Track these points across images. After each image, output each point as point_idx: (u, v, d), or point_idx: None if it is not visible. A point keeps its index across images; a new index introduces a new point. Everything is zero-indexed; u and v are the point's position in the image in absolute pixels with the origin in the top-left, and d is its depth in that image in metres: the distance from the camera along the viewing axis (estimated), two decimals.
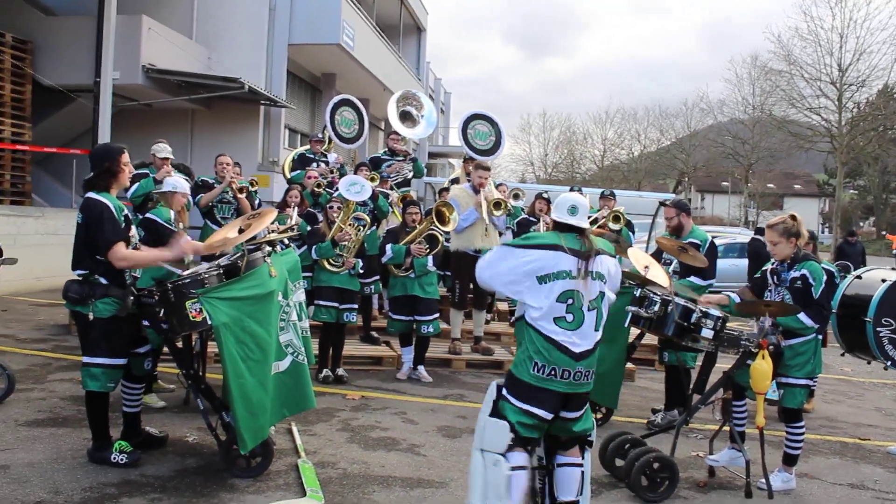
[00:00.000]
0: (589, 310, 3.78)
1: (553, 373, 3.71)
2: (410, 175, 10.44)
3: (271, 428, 5.29)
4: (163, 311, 4.61)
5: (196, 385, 4.99)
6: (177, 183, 6.39)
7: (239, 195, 8.63)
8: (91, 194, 4.70)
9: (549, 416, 3.76)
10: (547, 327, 3.73)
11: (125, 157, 4.85)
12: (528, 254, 3.78)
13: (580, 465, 3.86)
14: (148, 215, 6.11)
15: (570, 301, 3.73)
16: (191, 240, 5.15)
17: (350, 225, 7.67)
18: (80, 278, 4.68)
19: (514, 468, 3.68)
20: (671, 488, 4.88)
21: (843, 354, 6.41)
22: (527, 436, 3.75)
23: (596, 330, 3.82)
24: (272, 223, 6.04)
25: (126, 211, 4.83)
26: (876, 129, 40.88)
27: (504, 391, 3.81)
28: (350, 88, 20.30)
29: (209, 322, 4.54)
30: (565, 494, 3.83)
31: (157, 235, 5.75)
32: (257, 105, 17.96)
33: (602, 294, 3.83)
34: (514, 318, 3.92)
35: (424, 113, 10.39)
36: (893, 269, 6.63)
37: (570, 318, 3.73)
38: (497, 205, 8.20)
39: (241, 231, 5.06)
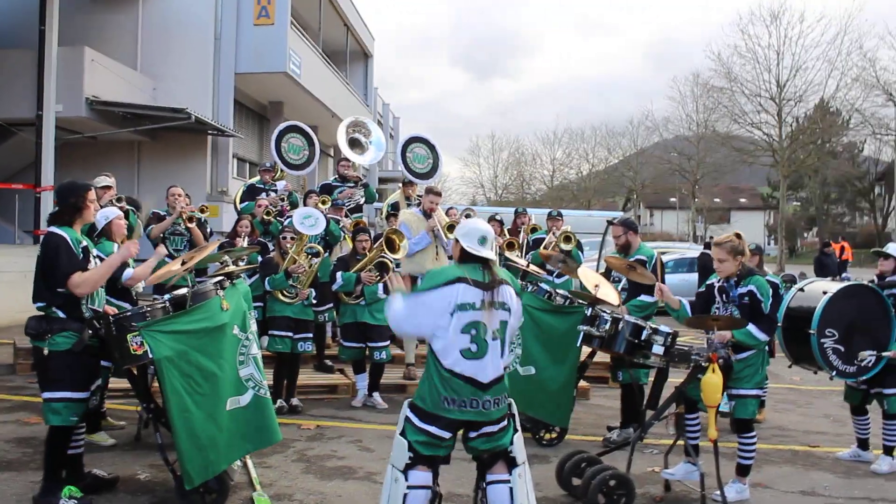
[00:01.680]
0: (493, 339, 3.83)
1: (462, 404, 3.78)
2: (363, 200, 10.45)
3: (237, 463, 5.22)
4: (107, 344, 4.61)
5: (157, 419, 4.92)
6: (107, 213, 6.33)
7: (189, 224, 8.54)
8: (52, 228, 4.72)
9: (447, 435, 3.84)
10: (452, 361, 3.78)
11: (91, 195, 4.88)
12: (437, 293, 3.81)
13: (507, 482, 3.89)
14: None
15: (473, 332, 3.79)
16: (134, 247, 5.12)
17: (304, 256, 7.64)
18: (40, 312, 4.66)
19: (411, 486, 3.76)
20: None
21: (790, 366, 6.54)
22: (427, 454, 3.83)
23: (501, 357, 3.88)
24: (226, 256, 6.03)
25: (85, 243, 4.80)
26: (814, 142, 42.12)
27: (409, 411, 3.89)
28: (298, 116, 20.21)
29: (150, 355, 4.49)
30: None
31: None
32: (204, 135, 17.82)
33: (505, 323, 3.89)
34: None
35: (372, 139, 10.42)
36: (835, 279, 6.81)
37: (474, 348, 3.79)
38: (451, 228, 8.24)
39: (183, 263, 5.04)
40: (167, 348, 4.51)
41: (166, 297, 4.89)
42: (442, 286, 3.83)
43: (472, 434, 3.89)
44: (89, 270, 4.73)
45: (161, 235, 8.54)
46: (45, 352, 4.59)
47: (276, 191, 10.38)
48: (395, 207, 10.19)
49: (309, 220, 7.56)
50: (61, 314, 4.63)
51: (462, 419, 3.81)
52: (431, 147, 9.91)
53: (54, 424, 4.63)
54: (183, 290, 4.88)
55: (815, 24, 59.02)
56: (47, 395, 4.63)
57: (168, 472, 4.99)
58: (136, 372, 4.98)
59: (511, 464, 3.93)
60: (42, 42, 13.60)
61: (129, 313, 4.60)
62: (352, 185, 10.31)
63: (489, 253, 3.93)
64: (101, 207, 7.30)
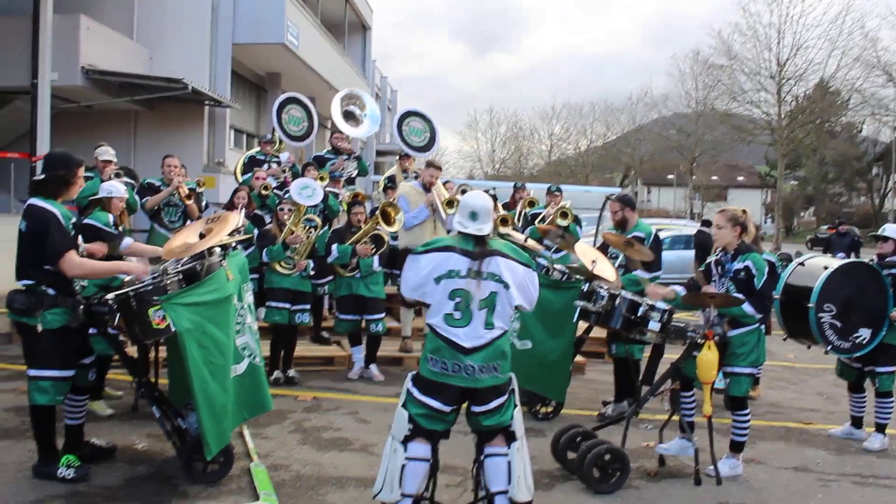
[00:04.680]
0: (479, 309, 3.88)
1: (444, 366, 3.85)
2: (355, 173, 10.40)
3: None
4: (124, 319, 4.51)
5: (150, 393, 4.90)
6: (112, 188, 6.29)
7: (186, 200, 8.50)
8: (36, 201, 4.54)
9: (447, 409, 3.90)
10: (439, 325, 3.90)
11: (82, 171, 4.76)
12: (427, 258, 3.96)
13: (505, 455, 3.93)
14: (87, 220, 5.98)
15: (458, 299, 3.87)
16: (145, 263, 5.10)
17: (301, 227, 7.62)
18: (26, 288, 4.52)
19: (409, 458, 3.83)
20: (622, 479, 4.96)
21: (785, 339, 6.57)
22: (428, 427, 3.89)
23: (487, 328, 3.91)
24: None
25: (74, 218, 4.72)
26: (813, 121, 42.02)
27: (411, 383, 3.96)
28: (295, 87, 20.07)
29: (173, 329, 4.46)
30: (494, 485, 3.91)
31: (97, 240, 5.63)
32: (201, 106, 17.67)
33: (495, 294, 3.91)
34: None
35: (367, 112, 10.36)
36: (848, 255, 6.82)
37: (457, 315, 3.87)
38: (450, 203, 8.21)
39: (201, 236, 4.98)
40: (187, 320, 4.51)
41: (163, 267, 4.88)
42: (433, 251, 3.96)
43: (475, 409, 3.92)
44: (92, 261, 4.67)
45: (156, 207, 8.51)
46: (39, 329, 4.46)
47: (278, 162, 10.32)
48: (391, 181, 10.15)
49: (307, 190, 7.54)
50: (51, 291, 4.51)
51: (455, 385, 3.85)
52: (428, 121, 9.85)
53: (41, 403, 4.55)
54: (172, 262, 4.86)
55: (816, 3, 58.47)
56: (35, 372, 4.53)
57: (164, 442, 5.03)
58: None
59: (510, 438, 3.96)
60: (37, 9, 13.42)
61: (149, 287, 4.50)
62: (345, 157, 10.24)
63: (479, 228, 3.98)
64: (104, 181, 7.29)
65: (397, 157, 10.68)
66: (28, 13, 13.77)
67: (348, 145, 10.46)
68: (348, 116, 10.17)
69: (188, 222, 8.22)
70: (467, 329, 3.86)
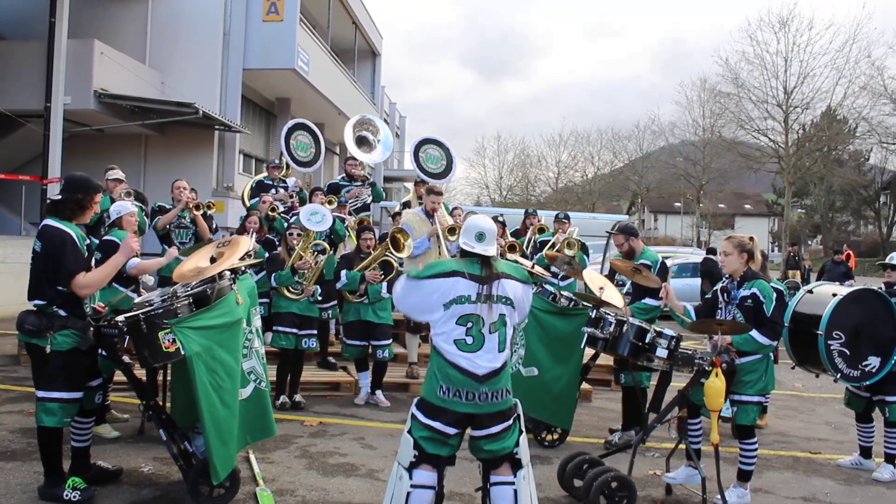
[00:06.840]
0: (490, 332, 3.86)
1: (457, 394, 3.81)
2: (370, 199, 10.44)
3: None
4: (133, 341, 4.50)
5: (157, 416, 4.90)
6: (119, 207, 6.37)
7: (195, 212, 8.53)
8: (52, 222, 4.59)
9: (452, 431, 3.85)
10: (449, 350, 3.85)
11: (98, 197, 4.82)
12: (432, 283, 3.89)
13: (511, 484, 3.89)
14: (107, 237, 6.07)
15: (469, 324, 3.84)
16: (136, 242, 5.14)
17: (310, 253, 7.65)
18: (37, 309, 4.55)
19: (414, 485, 3.78)
20: None
21: (793, 367, 6.55)
22: (432, 451, 3.83)
23: (500, 351, 3.90)
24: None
25: (88, 240, 4.77)
26: (820, 149, 42.09)
27: (415, 408, 3.92)
28: (305, 113, 20.29)
29: (182, 352, 4.45)
30: None
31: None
32: (211, 130, 17.85)
33: (504, 315, 3.92)
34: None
35: (381, 137, 10.40)
36: (843, 284, 6.82)
37: (469, 340, 3.84)
38: (451, 230, 8.23)
39: (213, 260, 5.00)
40: (196, 344, 4.50)
41: (173, 289, 4.90)
42: (438, 276, 3.90)
43: (477, 434, 3.89)
44: (93, 271, 4.67)
45: (167, 227, 8.57)
46: (48, 350, 4.48)
47: (285, 187, 10.38)
48: (407, 207, 10.18)
49: (316, 216, 7.58)
50: (62, 312, 4.54)
51: (462, 412, 3.82)
52: (445, 148, 9.91)
53: (48, 425, 4.55)
54: (180, 285, 4.88)
55: (823, 32, 59.09)
56: (43, 394, 4.54)
57: (170, 465, 5.02)
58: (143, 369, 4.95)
59: (516, 465, 3.94)
60: (52, 34, 13.65)
61: (160, 311, 4.49)
62: (359, 183, 10.31)
63: (486, 249, 3.97)
64: (114, 200, 7.37)
65: (413, 183, 10.73)
66: (43, 38, 13.99)
67: (362, 171, 10.50)
68: (361, 142, 10.22)
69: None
70: (480, 353, 3.84)
